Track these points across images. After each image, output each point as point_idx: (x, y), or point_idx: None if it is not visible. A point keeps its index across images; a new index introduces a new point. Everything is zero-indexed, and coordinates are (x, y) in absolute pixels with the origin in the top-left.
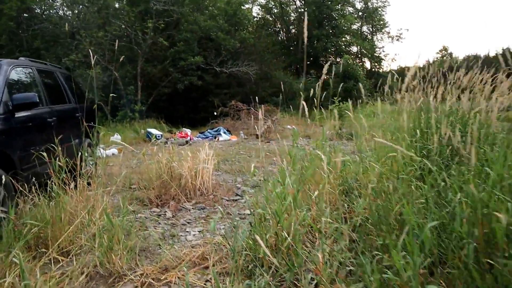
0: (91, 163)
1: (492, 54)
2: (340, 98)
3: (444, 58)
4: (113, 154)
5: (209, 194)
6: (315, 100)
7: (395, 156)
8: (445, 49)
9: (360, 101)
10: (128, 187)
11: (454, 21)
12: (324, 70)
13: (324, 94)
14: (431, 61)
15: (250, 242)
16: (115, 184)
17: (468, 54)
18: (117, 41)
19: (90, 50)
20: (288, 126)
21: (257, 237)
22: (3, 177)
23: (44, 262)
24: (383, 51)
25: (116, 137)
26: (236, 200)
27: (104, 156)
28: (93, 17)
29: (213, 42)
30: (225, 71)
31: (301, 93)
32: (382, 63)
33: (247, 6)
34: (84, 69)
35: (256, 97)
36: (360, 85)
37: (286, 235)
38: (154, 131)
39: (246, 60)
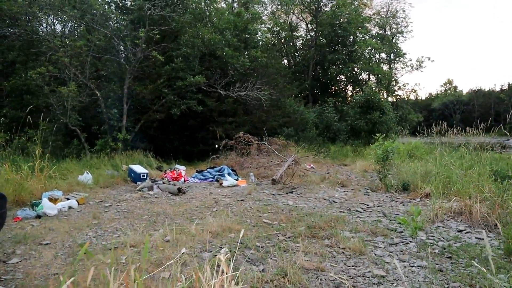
0: None
1: (497, 88)
2: (384, 135)
3: (448, 91)
4: (69, 207)
5: None
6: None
7: None
8: (450, 82)
9: (387, 135)
10: None
11: (460, 53)
12: None
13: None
14: (434, 94)
15: None
16: None
17: (472, 88)
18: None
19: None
20: (307, 166)
21: None
22: None
23: None
24: (398, 81)
25: (86, 177)
26: None
27: (55, 212)
28: (76, 23)
29: (218, 60)
30: (231, 95)
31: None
32: (395, 93)
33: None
34: (56, 85)
35: (265, 128)
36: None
37: None
38: (138, 168)
39: (256, 83)
